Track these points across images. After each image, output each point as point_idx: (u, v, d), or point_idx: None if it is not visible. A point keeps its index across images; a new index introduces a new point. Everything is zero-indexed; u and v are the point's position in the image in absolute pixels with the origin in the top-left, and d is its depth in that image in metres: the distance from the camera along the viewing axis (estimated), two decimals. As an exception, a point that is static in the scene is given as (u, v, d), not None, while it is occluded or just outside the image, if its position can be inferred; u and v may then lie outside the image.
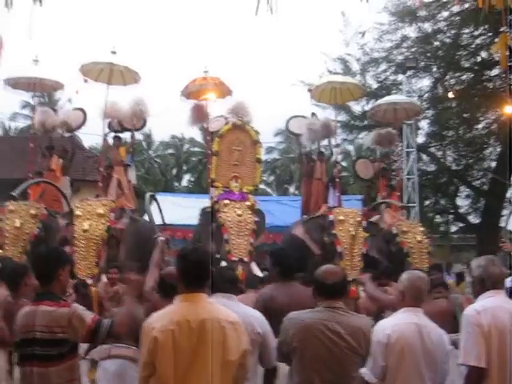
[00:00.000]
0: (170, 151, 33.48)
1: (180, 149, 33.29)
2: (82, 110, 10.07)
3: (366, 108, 15.07)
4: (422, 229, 8.87)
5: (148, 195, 6.09)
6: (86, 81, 9.61)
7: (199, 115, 9.94)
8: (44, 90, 11.62)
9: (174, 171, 33.14)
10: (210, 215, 8.36)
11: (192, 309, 2.71)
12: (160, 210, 6.48)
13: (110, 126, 10.12)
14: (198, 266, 2.72)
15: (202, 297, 2.76)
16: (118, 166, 9.79)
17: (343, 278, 3.17)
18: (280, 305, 3.78)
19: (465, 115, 16.11)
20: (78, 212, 7.75)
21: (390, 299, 4.39)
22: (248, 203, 8.63)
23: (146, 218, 7.02)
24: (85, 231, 7.49)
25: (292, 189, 31.15)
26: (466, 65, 16.05)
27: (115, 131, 10.22)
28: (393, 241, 8.78)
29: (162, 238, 4.25)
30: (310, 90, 10.94)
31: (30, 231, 7.66)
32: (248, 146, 9.28)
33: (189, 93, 10.24)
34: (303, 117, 10.58)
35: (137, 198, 10.01)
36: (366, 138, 13.44)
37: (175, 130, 33.15)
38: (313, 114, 10.64)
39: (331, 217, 8.59)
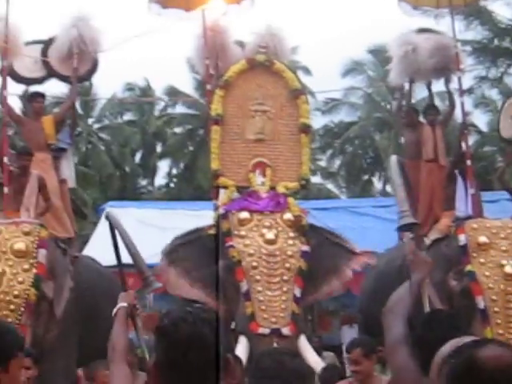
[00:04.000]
0: (129, 117, 29.22)
1: (148, 112, 28.92)
2: None
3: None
4: None
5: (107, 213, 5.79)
6: None
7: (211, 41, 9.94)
8: None
9: (138, 156, 28.99)
10: (211, 244, 8.23)
11: None
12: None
13: (13, 73, 10.05)
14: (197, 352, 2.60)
15: None
16: (42, 153, 9.76)
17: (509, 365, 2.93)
18: None
19: None
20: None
21: None
22: (288, 216, 8.33)
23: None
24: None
25: (379, 183, 29.47)
26: None
27: (24, 82, 10.47)
28: None
29: (124, 305, 4.20)
30: None
31: None
32: (282, 101, 9.00)
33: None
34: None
35: (75, 215, 10.16)
36: None
37: (133, 75, 29.81)
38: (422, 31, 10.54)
39: (462, 238, 7.98)
